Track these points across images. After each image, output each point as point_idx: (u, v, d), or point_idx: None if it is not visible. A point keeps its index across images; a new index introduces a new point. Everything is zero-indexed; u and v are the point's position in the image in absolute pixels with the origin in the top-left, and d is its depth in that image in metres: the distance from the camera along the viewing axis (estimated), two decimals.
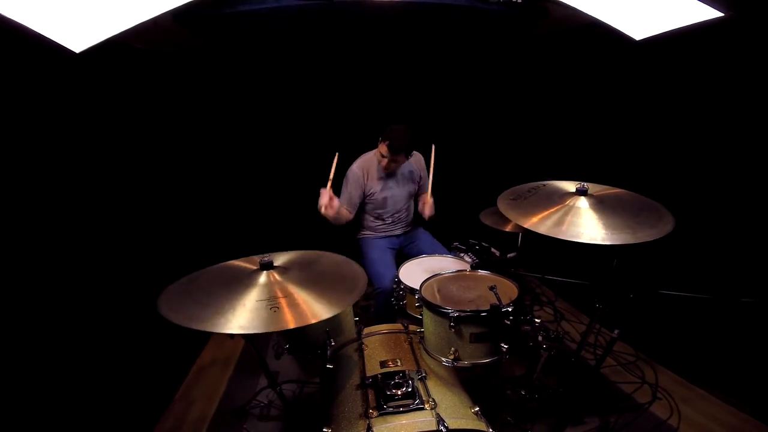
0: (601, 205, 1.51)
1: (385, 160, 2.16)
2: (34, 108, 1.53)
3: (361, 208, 2.40)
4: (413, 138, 2.15)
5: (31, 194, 1.50)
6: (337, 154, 2.06)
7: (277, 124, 2.97)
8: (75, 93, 1.72)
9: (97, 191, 1.83)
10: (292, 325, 1.12)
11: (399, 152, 2.12)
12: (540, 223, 1.46)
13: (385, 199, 2.34)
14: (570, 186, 1.64)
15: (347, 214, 2.28)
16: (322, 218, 2.16)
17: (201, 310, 1.13)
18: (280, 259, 1.42)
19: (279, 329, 1.11)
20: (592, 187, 1.60)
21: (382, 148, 2.13)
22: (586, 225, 1.42)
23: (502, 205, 1.61)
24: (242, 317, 1.11)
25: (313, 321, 1.14)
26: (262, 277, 1.28)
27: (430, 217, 2.29)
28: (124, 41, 1.65)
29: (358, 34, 2.46)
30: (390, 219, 2.42)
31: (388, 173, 2.31)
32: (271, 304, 1.16)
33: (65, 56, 1.43)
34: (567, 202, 1.54)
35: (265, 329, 1.09)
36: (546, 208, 1.53)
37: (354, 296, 1.27)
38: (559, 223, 1.45)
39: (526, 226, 1.46)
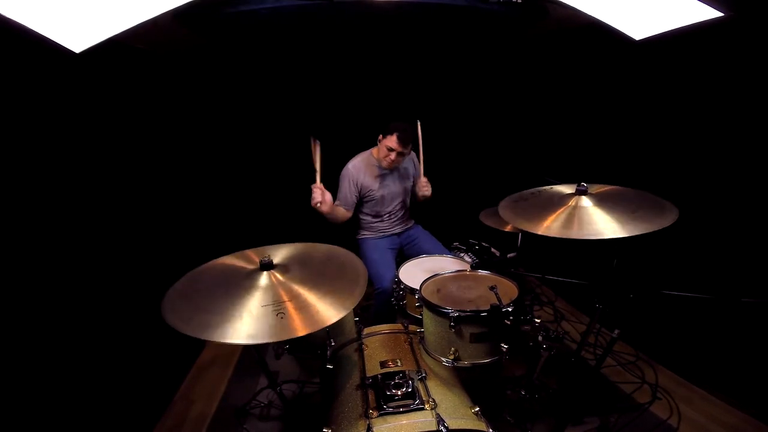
0: (604, 201, 1.51)
1: (393, 154, 2.18)
2: (35, 108, 1.53)
3: (359, 208, 2.40)
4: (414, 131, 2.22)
5: (31, 194, 1.50)
6: (318, 143, 1.96)
7: (278, 124, 2.97)
8: (75, 93, 1.72)
9: (97, 191, 1.83)
10: (301, 333, 1.07)
11: (408, 143, 2.17)
12: (550, 226, 1.45)
13: (382, 196, 2.35)
14: (568, 189, 1.63)
15: (345, 212, 2.28)
16: (322, 218, 2.16)
17: (207, 318, 1.09)
18: (276, 254, 1.39)
19: (289, 337, 1.07)
20: (591, 187, 1.59)
21: (390, 141, 2.15)
22: (599, 222, 1.42)
23: (507, 215, 1.60)
24: (249, 325, 1.07)
25: (322, 326, 1.11)
26: (264, 279, 1.25)
27: (426, 198, 2.30)
28: (124, 41, 1.65)
29: (358, 33, 2.46)
30: (388, 217, 2.42)
31: (385, 171, 2.32)
32: (277, 309, 1.13)
33: (65, 56, 1.43)
34: (569, 203, 1.54)
35: (275, 338, 1.06)
36: (552, 211, 1.52)
37: (359, 292, 1.25)
38: (568, 223, 1.44)
39: (539, 232, 1.44)
